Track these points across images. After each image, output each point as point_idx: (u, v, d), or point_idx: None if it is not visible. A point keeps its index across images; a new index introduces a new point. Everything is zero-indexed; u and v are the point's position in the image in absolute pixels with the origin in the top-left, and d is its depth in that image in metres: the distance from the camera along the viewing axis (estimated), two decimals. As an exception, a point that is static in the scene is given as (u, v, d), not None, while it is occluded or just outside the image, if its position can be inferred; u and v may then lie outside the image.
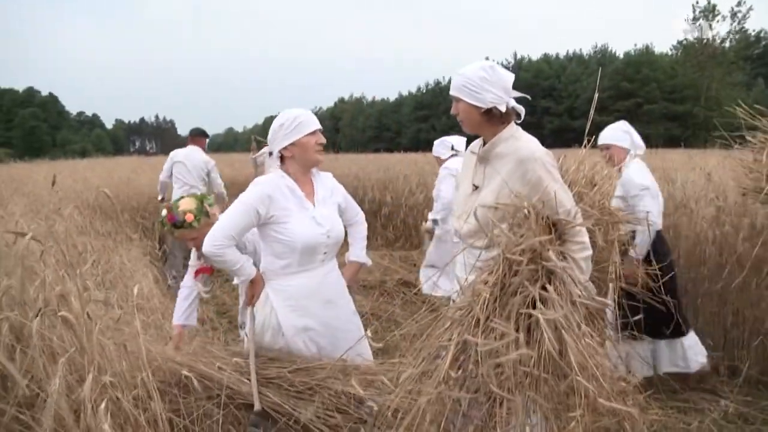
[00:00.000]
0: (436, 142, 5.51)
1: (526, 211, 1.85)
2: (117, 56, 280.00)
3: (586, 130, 2.33)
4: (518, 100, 2.15)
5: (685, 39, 52.01)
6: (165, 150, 7.57)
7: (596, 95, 2.32)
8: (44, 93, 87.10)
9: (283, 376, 2.37)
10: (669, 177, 5.58)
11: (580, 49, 66.65)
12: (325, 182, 2.69)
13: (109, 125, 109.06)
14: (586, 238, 1.98)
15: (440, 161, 5.43)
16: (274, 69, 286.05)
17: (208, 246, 2.39)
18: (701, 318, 4.12)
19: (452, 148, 5.32)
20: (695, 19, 50.44)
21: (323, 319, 2.55)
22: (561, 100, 57.48)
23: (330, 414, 2.27)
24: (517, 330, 1.65)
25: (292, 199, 2.49)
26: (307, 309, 2.52)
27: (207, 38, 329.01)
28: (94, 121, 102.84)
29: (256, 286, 2.56)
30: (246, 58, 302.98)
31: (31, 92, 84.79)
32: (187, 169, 6.25)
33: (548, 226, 1.95)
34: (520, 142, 2.10)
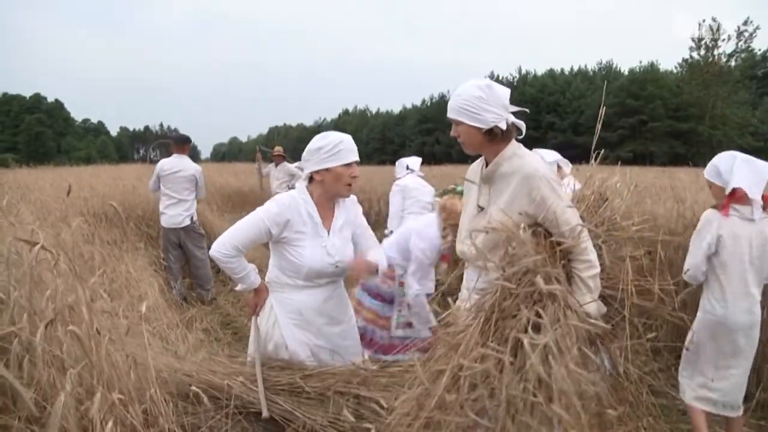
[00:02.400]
0: (396, 162, 6.18)
1: (521, 232, 1.81)
2: (123, 64, 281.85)
3: (593, 145, 2.30)
4: (517, 114, 2.11)
5: (690, 57, 52.11)
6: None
7: (602, 109, 2.29)
8: (50, 99, 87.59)
9: (294, 382, 2.37)
10: (678, 196, 5.54)
11: (586, 65, 66.79)
12: (348, 209, 2.65)
13: (113, 132, 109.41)
14: (593, 256, 1.95)
15: (395, 179, 5.99)
16: (278, 79, 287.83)
17: (214, 250, 2.44)
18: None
19: (407, 167, 5.88)
20: (701, 38, 50.58)
21: (327, 335, 2.57)
22: (565, 115, 57.59)
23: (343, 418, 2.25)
24: (514, 354, 1.62)
25: (309, 223, 2.48)
26: (311, 324, 2.53)
27: (212, 48, 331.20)
28: (99, 129, 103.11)
29: (259, 295, 2.59)
30: (251, 68, 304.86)
31: (37, 98, 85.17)
32: (175, 180, 6.17)
33: (552, 245, 1.92)
34: (523, 160, 2.06)
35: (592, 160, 2.28)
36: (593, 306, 1.89)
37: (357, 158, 2.49)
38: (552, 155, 4.59)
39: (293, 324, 2.52)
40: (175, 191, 6.17)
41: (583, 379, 1.54)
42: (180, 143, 6.44)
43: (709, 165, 3.06)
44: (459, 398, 1.62)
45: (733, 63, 50.10)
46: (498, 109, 2.03)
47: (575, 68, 66.30)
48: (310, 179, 2.53)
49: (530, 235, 1.80)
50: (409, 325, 3.78)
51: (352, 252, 2.62)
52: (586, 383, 1.54)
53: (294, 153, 11.23)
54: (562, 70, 66.13)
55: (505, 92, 2.08)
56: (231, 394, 2.30)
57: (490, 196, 2.14)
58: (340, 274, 2.59)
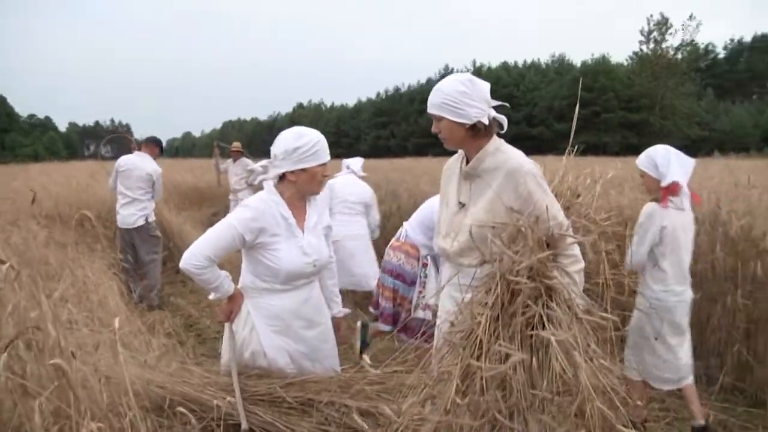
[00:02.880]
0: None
1: (522, 227, 1.78)
2: (70, 58, 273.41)
3: (570, 140, 2.27)
4: (498, 109, 2.08)
5: (640, 50, 53.46)
6: (120, 155, 7.27)
7: (577, 106, 2.28)
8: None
9: (274, 392, 2.28)
10: (640, 187, 5.61)
11: (539, 58, 67.73)
12: (320, 206, 2.58)
13: (62, 128, 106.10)
14: (578, 251, 1.94)
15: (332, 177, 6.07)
16: (232, 73, 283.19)
17: (185, 263, 2.30)
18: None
19: (347, 167, 5.93)
20: (650, 31, 51.92)
21: (304, 339, 2.50)
22: (519, 108, 58.04)
23: (328, 429, 2.17)
24: (531, 352, 1.60)
25: (283, 225, 2.40)
26: (289, 329, 2.46)
27: (163, 41, 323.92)
28: (47, 124, 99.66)
29: (234, 302, 2.48)
30: (204, 62, 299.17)
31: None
32: (131, 178, 5.97)
33: (540, 240, 1.89)
34: (507, 155, 2.04)
35: (566, 156, 2.26)
36: (580, 301, 1.87)
37: (329, 158, 2.45)
38: None
39: (272, 330, 2.43)
40: (130, 189, 5.96)
41: (611, 374, 1.54)
42: (148, 143, 6.29)
43: (644, 157, 3.23)
44: (471, 401, 1.57)
45: (679, 56, 51.64)
46: (480, 104, 2.00)
47: (528, 61, 67.23)
48: (281, 178, 2.44)
49: (531, 231, 1.76)
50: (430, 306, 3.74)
51: (326, 248, 2.57)
52: (613, 377, 1.54)
53: (250, 147, 11.03)
54: (516, 63, 66.91)
55: (487, 87, 2.05)
56: (208, 405, 2.20)
57: (471, 192, 2.11)
58: (317, 274, 2.54)
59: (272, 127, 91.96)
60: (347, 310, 2.84)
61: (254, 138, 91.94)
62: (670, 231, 3.10)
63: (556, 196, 2.15)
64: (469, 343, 1.65)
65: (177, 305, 6.28)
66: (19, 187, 7.54)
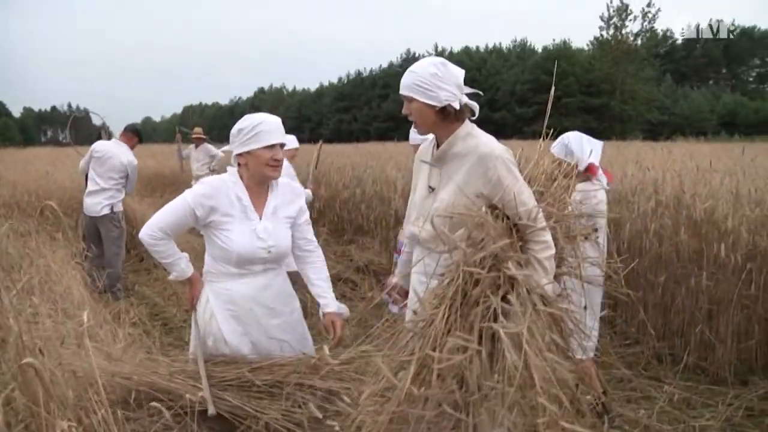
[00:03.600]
0: None
1: (480, 217, 1.81)
2: (23, 39, 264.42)
3: (545, 123, 2.33)
4: (471, 96, 2.12)
5: (601, 35, 54.13)
6: (80, 140, 7.07)
7: (553, 89, 2.32)
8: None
9: (242, 376, 2.28)
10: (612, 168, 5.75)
11: (500, 43, 68.33)
12: (284, 193, 2.54)
13: (16, 114, 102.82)
14: (548, 237, 1.97)
15: None
16: (192, 57, 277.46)
17: (142, 233, 2.36)
18: (644, 308, 4.29)
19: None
20: (610, 17, 52.61)
21: (265, 327, 2.47)
22: (481, 92, 58.09)
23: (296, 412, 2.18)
24: (480, 342, 1.60)
25: (238, 206, 2.39)
26: (249, 315, 2.44)
27: (120, 24, 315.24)
28: (0, 109, 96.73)
29: (193, 287, 2.50)
30: (163, 45, 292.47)
31: (-75, 77, 78.85)
32: (103, 165, 5.82)
33: (509, 227, 1.94)
34: (478, 140, 2.06)
35: (542, 140, 2.31)
36: (549, 287, 1.91)
37: (281, 140, 2.38)
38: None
39: (230, 315, 2.42)
40: (101, 177, 5.81)
41: (561, 367, 1.54)
42: (127, 131, 6.13)
43: (558, 144, 3.26)
44: (427, 391, 1.60)
45: (639, 42, 52.48)
46: (452, 88, 2.02)
47: (490, 46, 67.59)
48: (239, 163, 2.44)
49: (492, 217, 1.79)
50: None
51: (289, 236, 2.51)
52: (564, 370, 1.54)
53: (211, 133, 10.88)
54: (477, 47, 67.22)
55: (460, 72, 2.08)
56: (176, 394, 2.21)
57: (441, 177, 2.13)
58: (274, 261, 2.47)
59: (233, 112, 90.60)
60: (341, 307, 2.57)
61: (215, 123, 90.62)
62: (603, 208, 3.16)
63: (530, 181, 2.20)
64: (428, 332, 1.67)
65: (142, 294, 6.21)
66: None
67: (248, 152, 2.34)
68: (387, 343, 1.82)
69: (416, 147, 5.18)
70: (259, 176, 2.40)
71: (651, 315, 4.28)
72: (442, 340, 1.61)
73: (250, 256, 2.37)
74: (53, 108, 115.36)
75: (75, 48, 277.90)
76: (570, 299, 2.12)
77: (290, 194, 2.57)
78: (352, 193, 8.61)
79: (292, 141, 5.98)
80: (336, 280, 6.44)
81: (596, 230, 3.16)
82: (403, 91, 2.08)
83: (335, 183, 9.18)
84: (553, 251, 1.96)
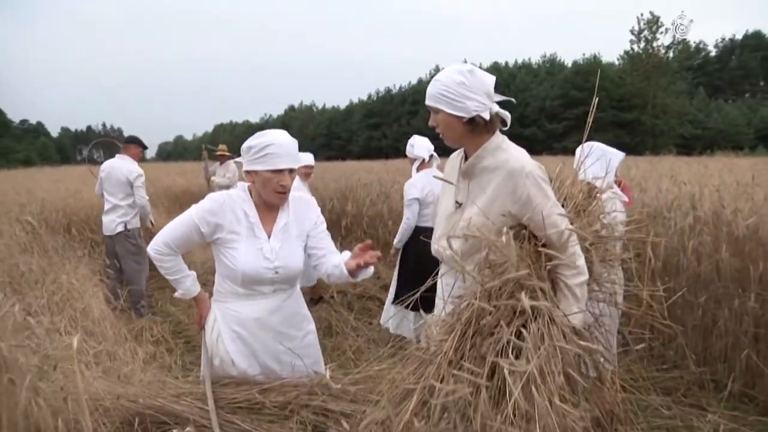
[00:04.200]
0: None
1: (503, 237, 1.67)
2: (62, 63, 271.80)
3: (584, 137, 2.18)
4: (503, 104, 1.97)
5: (631, 49, 53.48)
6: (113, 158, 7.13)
7: (595, 99, 2.16)
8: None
9: (252, 398, 2.16)
10: (641, 185, 5.54)
11: (529, 58, 67.90)
12: (297, 208, 2.41)
13: (54, 134, 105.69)
14: (581, 261, 1.81)
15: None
16: (223, 76, 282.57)
17: (149, 247, 2.30)
18: (683, 330, 4.05)
19: None
20: (640, 30, 51.98)
21: (273, 352, 2.35)
22: (511, 108, 57.91)
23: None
24: (492, 375, 1.46)
25: (244, 223, 2.28)
26: (256, 339, 2.32)
27: (154, 45, 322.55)
28: (39, 129, 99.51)
29: (201, 306, 2.41)
30: (194, 66, 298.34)
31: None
32: (110, 182, 5.76)
33: (536, 249, 1.79)
34: (508, 154, 1.91)
35: (580, 155, 2.16)
36: (579, 317, 1.77)
37: (291, 165, 2.22)
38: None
39: (237, 337, 2.31)
40: (111, 195, 5.77)
41: (570, 415, 1.39)
42: (127, 143, 6.03)
43: (593, 156, 3.08)
44: (428, 425, 1.47)
45: (671, 54, 51.70)
46: (481, 97, 1.87)
47: (519, 61, 67.28)
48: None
49: (513, 240, 1.64)
50: None
51: (300, 257, 2.37)
52: (572, 419, 1.39)
53: (239, 151, 10.93)
54: (507, 63, 66.92)
55: (490, 79, 1.92)
56: (183, 417, 2.10)
57: (469, 191, 1.99)
58: (284, 282, 2.33)
59: (262, 130, 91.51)
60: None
61: (245, 141, 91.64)
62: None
63: (566, 199, 2.06)
64: (437, 359, 1.55)
65: (167, 311, 6.17)
66: (4, 192, 7.44)
67: (255, 172, 2.23)
68: (395, 366, 1.69)
69: (412, 160, 5.09)
70: (264, 198, 2.30)
71: (690, 338, 4.03)
72: (449, 369, 1.47)
73: (256, 276, 2.25)
74: (88, 128, 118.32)
75: (110, 69, 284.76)
76: (603, 328, 1.97)
77: (303, 208, 2.44)
78: (380, 210, 8.50)
79: (307, 158, 5.86)
80: (361, 297, 6.34)
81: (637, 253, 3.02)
82: (428, 102, 1.95)
83: (362, 199, 9.07)
84: (585, 277, 1.82)
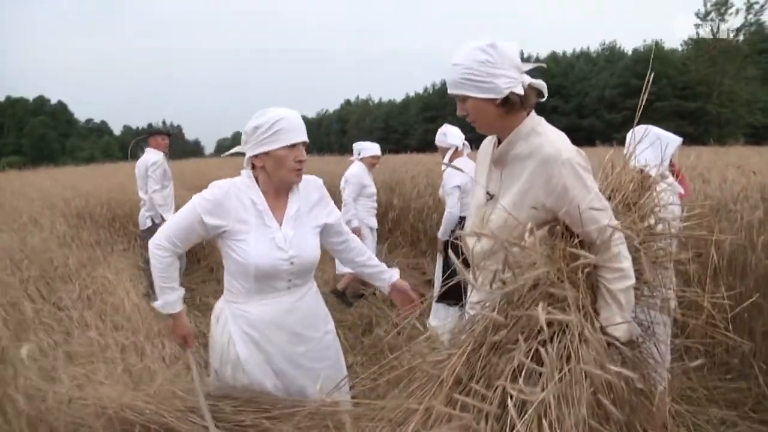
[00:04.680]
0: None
1: (527, 235, 1.42)
2: (124, 63, 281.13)
3: (636, 120, 1.90)
4: (533, 73, 1.71)
5: (697, 33, 51.21)
6: (173, 155, 7.18)
7: (648, 81, 1.86)
8: (54, 101, 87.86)
9: (259, 424, 1.94)
10: (703, 176, 5.08)
11: (588, 47, 66.03)
12: (308, 194, 2.22)
13: (117, 132, 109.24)
14: (626, 263, 1.55)
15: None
16: (279, 70, 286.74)
17: (150, 242, 2.09)
18: (750, 336, 3.65)
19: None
20: (707, 13, 49.65)
21: (290, 356, 2.13)
22: (569, 98, 56.69)
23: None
24: (505, 400, 1.22)
25: (253, 211, 2.07)
26: (271, 342, 2.11)
27: (208, 42, 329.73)
28: (103, 128, 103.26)
29: (176, 326, 2.18)
30: (250, 60, 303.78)
31: (41, 101, 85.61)
32: (139, 178, 5.71)
33: (572, 249, 1.53)
34: (543, 138, 1.66)
35: (632, 140, 1.87)
36: (623, 328, 1.51)
37: (303, 138, 2.05)
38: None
39: (250, 341, 2.10)
40: (140, 189, 5.73)
41: None
42: (151, 136, 5.96)
43: (645, 142, 2.78)
44: None
45: (740, 38, 49.21)
46: (510, 71, 1.62)
47: (577, 50, 65.63)
48: (253, 165, 2.12)
49: (539, 238, 1.37)
50: None
51: (316, 245, 2.18)
52: None
53: None
54: (564, 52, 65.39)
55: (514, 49, 1.66)
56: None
57: (502, 181, 1.75)
58: (300, 275, 2.13)
59: (320, 125, 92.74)
60: (398, 275, 2.33)
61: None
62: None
63: (613, 190, 1.79)
64: (445, 376, 1.31)
65: (208, 305, 6.10)
66: (50, 187, 7.56)
67: (266, 153, 2.02)
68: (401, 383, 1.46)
69: (444, 150, 4.81)
70: (279, 181, 2.09)
71: (760, 345, 3.62)
72: (452, 391, 1.22)
73: (271, 270, 2.04)
74: (149, 125, 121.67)
75: (168, 65, 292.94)
76: (654, 338, 1.69)
77: (315, 192, 2.24)
78: (427, 203, 8.25)
79: (373, 148, 5.91)
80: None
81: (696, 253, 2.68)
82: (451, 90, 1.72)
83: (408, 192, 8.84)
84: (631, 282, 1.55)
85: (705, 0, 49.62)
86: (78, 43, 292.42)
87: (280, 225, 2.09)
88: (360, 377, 2.07)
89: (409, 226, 8.38)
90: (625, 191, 1.82)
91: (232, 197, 2.04)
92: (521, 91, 1.63)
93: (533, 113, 1.73)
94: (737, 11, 48.18)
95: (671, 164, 2.92)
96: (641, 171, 1.98)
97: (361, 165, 5.78)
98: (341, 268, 5.78)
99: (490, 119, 1.70)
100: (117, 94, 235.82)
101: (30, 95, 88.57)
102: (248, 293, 2.08)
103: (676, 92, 49.48)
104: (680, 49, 55.12)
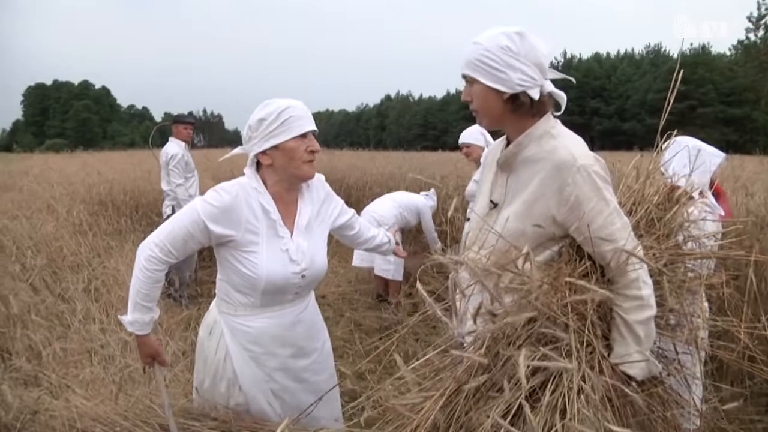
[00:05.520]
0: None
1: (521, 261, 1.23)
2: (166, 51, 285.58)
3: (660, 125, 1.70)
4: (559, 84, 1.50)
5: (747, 38, 49.58)
6: (212, 143, 7.01)
7: (676, 82, 1.67)
8: (98, 86, 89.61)
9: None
10: (746, 188, 4.74)
11: (633, 48, 64.81)
12: (316, 194, 2.04)
13: (158, 118, 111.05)
14: (646, 291, 1.35)
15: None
16: (319, 64, 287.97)
17: (139, 248, 1.83)
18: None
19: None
20: (760, 17, 47.99)
21: (293, 371, 1.97)
22: (611, 101, 55.63)
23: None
24: None
25: (264, 220, 1.85)
26: (272, 358, 1.93)
27: (251, 33, 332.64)
28: (144, 114, 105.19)
29: (141, 349, 1.89)
30: (291, 54, 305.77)
31: (86, 85, 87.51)
32: (161, 170, 5.44)
33: (586, 272, 1.34)
34: (557, 142, 1.45)
35: (658, 149, 1.67)
36: (640, 366, 1.32)
37: (313, 127, 1.86)
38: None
39: (250, 358, 1.91)
40: (163, 180, 5.44)
41: None
42: (175, 124, 5.67)
43: (676, 153, 2.49)
44: None
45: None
46: (529, 69, 1.43)
47: (622, 52, 64.31)
48: (258, 165, 1.92)
49: (537, 265, 1.19)
50: None
51: (325, 255, 2.00)
52: None
53: (337, 138, 10.70)
54: (608, 54, 64.15)
55: (546, 49, 1.46)
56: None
57: (507, 188, 1.55)
58: (308, 286, 1.97)
59: (359, 119, 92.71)
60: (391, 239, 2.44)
61: (341, 129, 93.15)
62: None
63: (636, 204, 1.59)
64: (416, 425, 1.13)
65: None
66: (75, 172, 7.54)
67: (275, 147, 1.82)
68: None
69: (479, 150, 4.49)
70: (290, 177, 1.88)
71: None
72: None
73: (283, 284, 1.86)
74: (189, 113, 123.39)
75: (211, 54, 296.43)
76: (682, 373, 1.49)
77: (321, 190, 2.07)
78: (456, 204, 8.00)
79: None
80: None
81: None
82: (463, 70, 1.50)
83: (438, 194, 8.59)
84: (651, 312, 1.35)
85: (759, 3, 47.99)
86: (125, 30, 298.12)
87: (291, 234, 1.90)
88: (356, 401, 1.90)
89: (436, 227, 8.16)
90: (648, 205, 1.62)
91: (242, 204, 1.83)
92: (537, 96, 1.44)
93: (549, 115, 1.52)
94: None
95: (711, 182, 2.63)
96: (670, 183, 1.77)
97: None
98: (359, 262, 5.62)
99: (493, 113, 1.51)
100: (160, 81, 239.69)
101: (75, 80, 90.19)
102: (251, 307, 1.89)
103: (721, 98, 48.12)
104: (728, 53, 53.55)
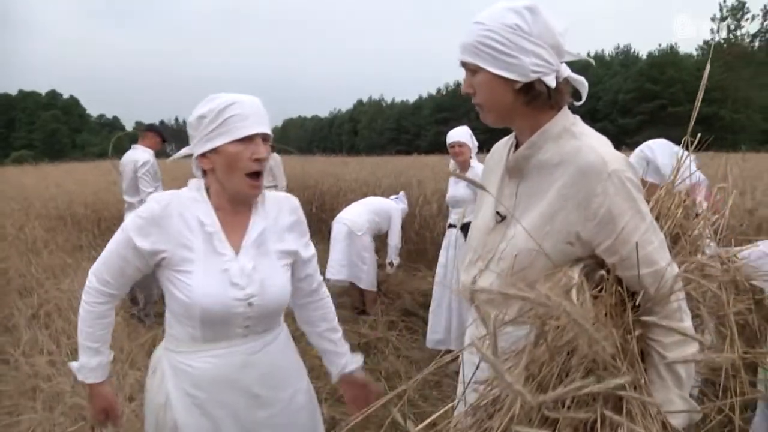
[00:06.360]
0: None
1: (574, 294, 0.98)
2: (136, 59, 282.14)
3: (689, 131, 1.45)
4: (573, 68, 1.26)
5: (712, 39, 50.60)
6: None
7: (705, 78, 1.41)
8: (66, 96, 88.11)
9: None
10: (740, 186, 4.56)
11: (602, 50, 65.38)
12: (278, 215, 1.67)
13: (129, 127, 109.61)
14: (688, 322, 1.11)
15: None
16: (290, 70, 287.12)
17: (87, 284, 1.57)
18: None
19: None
20: (722, 18, 49.02)
21: (245, 422, 1.60)
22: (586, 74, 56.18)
23: None
24: None
25: (200, 234, 1.53)
26: (220, 406, 1.57)
27: (223, 39, 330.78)
28: (114, 124, 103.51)
29: (92, 401, 1.64)
30: (262, 59, 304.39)
31: (53, 95, 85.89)
32: (123, 180, 4.99)
33: (622, 302, 1.09)
34: (580, 142, 1.20)
35: (686, 148, 1.43)
36: (683, 414, 1.08)
37: (262, 129, 1.52)
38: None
39: (192, 404, 1.56)
40: (126, 193, 5.00)
41: None
42: (145, 133, 5.25)
43: (639, 159, 2.30)
44: None
45: (756, 44, 48.59)
46: (545, 51, 1.18)
47: (591, 53, 64.96)
48: (204, 172, 1.61)
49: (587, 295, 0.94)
50: None
51: (284, 282, 1.64)
52: None
53: (311, 145, 10.44)
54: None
55: (561, 26, 1.22)
56: None
57: (518, 197, 1.29)
58: (259, 319, 1.58)
59: (332, 125, 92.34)
60: (359, 363, 1.83)
61: (314, 135, 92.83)
62: None
63: (658, 218, 1.33)
64: None
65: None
66: (33, 185, 7.14)
67: (215, 150, 1.50)
68: None
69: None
70: (231, 190, 1.56)
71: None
72: None
73: (222, 313, 1.50)
74: (161, 122, 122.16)
75: (181, 62, 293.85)
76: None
77: (288, 215, 1.69)
78: (432, 210, 7.78)
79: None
80: (409, 314, 5.53)
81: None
82: (463, 56, 1.25)
83: (415, 198, 8.34)
84: (695, 348, 1.10)
85: (721, 4, 49.01)
86: (92, 39, 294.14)
87: (237, 253, 1.56)
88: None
89: (414, 234, 7.90)
90: (673, 218, 1.36)
91: (173, 214, 1.52)
92: (553, 83, 1.19)
93: (566, 109, 1.27)
94: (753, 17, 47.64)
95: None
96: (687, 194, 1.52)
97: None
98: (335, 273, 5.26)
99: (502, 107, 1.25)
100: (130, 90, 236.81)
101: (42, 89, 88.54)
102: (193, 341, 1.55)
103: (690, 97, 48.77)
104: (695, 54, 54.50)
